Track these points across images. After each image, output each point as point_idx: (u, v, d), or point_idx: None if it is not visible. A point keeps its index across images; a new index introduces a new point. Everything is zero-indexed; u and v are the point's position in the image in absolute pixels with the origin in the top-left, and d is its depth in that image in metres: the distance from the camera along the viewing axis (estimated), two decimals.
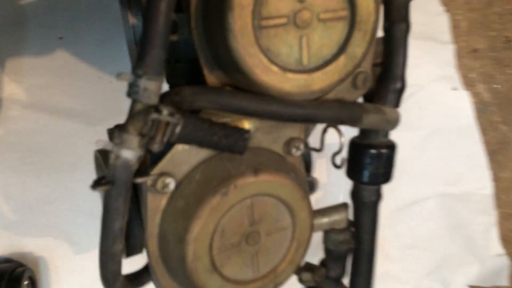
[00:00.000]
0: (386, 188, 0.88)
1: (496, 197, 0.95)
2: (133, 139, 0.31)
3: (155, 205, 0.37)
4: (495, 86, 1.01)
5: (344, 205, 0.47)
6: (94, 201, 0.80)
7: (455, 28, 1.01)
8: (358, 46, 0.35)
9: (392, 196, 0.89)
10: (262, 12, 0.31)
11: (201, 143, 0.34)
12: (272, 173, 0.36)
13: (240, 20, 0.30)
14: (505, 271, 0.90)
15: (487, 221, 0.91)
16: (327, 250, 0.48)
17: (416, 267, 0.87)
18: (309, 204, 0.40)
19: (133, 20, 0.39)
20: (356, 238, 0.46)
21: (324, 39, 0.34)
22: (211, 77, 0.36)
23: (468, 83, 0.99)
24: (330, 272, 0.48)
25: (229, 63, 0.33)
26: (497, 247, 0.90)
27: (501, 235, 0.94)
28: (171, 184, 0.36)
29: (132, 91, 0.30)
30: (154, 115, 0.31)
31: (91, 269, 0.78)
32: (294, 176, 0.39)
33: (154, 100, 0.31)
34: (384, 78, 0.41)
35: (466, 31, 1.02)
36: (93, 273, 0.77)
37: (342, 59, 0.35)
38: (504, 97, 1.01)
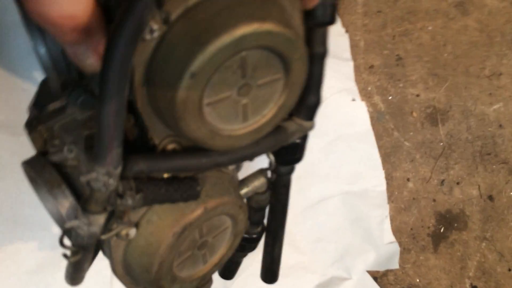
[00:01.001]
0: (297, 188, 0.98)
1: (390, 194, 1.07)
2: (99, 217, 0.32)
3: (118, 245, 0.38)
4: (389, 97, 1.13)
5: (261, 171, 0.50)
6: (18, 210, 0.81)
7: (354, 47, 1.11)
8: (291, 98, 0.36)
9: (302, 196, 0.98)
10: (209, 95, 0.30)
11: (159, 202, 0.36)
12: (218, 199, 0.40)
13: (187, 105, 0.29)
14: (396, 256, 1.03)
15: (382, 214, 1.01)
16: (250, 207, 0.51)
17: (323, 257, 0.95)
18: (243, 204, 0.44)
19: (42, 49, 0.35)
20: (274, 196, 0.52)
21: (261, 99, 0.34)
22: (157, 138, 0.35)
23: (366, 95, 1.10)
24: (253, 219, 0.53)
25: (176, 131, 0.34)
26: (389, 236, 1.02)
27: (395, 226, 1.07)
28: (133, 232, 0.37)
29: (94, 186, 0.29)
30: (119, 201, 0.32)
31: (15, 276, 0.79)
32: (234, 192, 0.43)
33: (114, 186, 0.30)
34: (304, 96, 0.41)
35: (363, 50, 1.13)
36: (17, 280, 0.78)
37: (277, 110, 0.36)
38: (396, 107, 1.13)
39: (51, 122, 0.41)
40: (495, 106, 1.22)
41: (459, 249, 1.18)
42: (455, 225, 1.17)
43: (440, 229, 1.15)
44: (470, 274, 1.19)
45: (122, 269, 0.41)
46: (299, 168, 0.99)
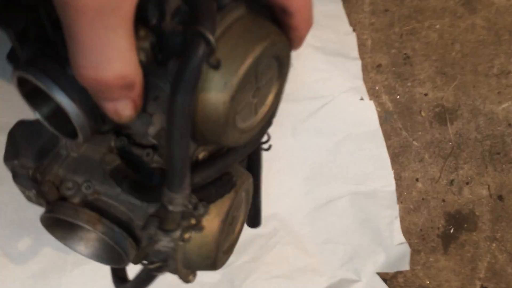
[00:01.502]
0: (305, 190, 0.96)
1: (399, 194, 1.06)
2: (176, 232, 0.37)
3: (180, 247, 0.43)
4: (397, 97, 1.12)
5: None
6: (24, 214, 0.80)
7: (361, 46, 1.10)
8: (282, 84, 0.42)
9: (310, 197, 0.97)
10: (237, 109, 0.35)
11: (213, 202, 0.41)
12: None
13: (229, 121, 0.34)
14: (407, 257, 1.01)
15: (391, 215, 1.00)
16: None
17: (331, 259, 0.94)
18: None
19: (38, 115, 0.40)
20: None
21: (264, 94, 0.39)
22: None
23: (374, 95, 1.09)
24: None
25: (213, 143, 0.41)
26: (399, 237, 1.00)
27: (404, 227, 1.05)
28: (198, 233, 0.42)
29: (176, 209, 0.35)
30: (195, 213, 0.38)
31: (20, 281, 0.78)
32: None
33: (188, 205, 0.37)
34: None
35: (370, 49, 1.12)
36: (21, 284, 0.77)
37: (274, 97, 0.42)
38: (404, 107, 1.12)
39: (53, 169, 0.44)
40: (504, 105, 1.20)
41: (469, 250, 1.17)
42: (465, 225, 1.15)
43: (450, 229, 1.14)
44: (481, 275, 1.17)
45: (182, 266, 0.43)
46: (307, 169, 0.98)
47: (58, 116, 0.38)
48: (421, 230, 1.10)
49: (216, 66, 0.30)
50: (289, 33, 0.35)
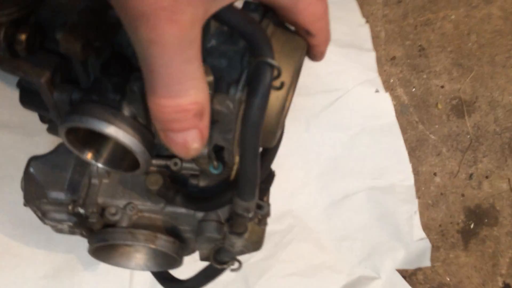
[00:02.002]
0: (320, 185, 0.94)
1: (417, 189, 1.03)
2: (246, 234, 0.43)
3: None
4: (413, 89, 1.09)
5: None
6: (33, 213, 0.79)
7: (375, 38, 1.08)
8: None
9: (326, 193, 0.94)
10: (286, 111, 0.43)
11: None
12: None
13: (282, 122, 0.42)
14: (427, 253, 0.98)
15: (410, 210, 0.98)
16: None
17: (349, 256, 0.91)
18: None
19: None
20: None
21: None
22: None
23: (389, 88, 1.06)
24: None
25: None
26: (419, 232, 0.98)
27: (422, 223, 1.02)
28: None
29: (250, 215, 0.39)
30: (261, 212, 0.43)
31: (32, 281, 0.77)
32: None
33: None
34: None
35: (384, 41, 1.09)
36: (34, 285, 0.76)
37: None
38: (419, 99, 1.09)
39: (94, 199, 0.47)
40: None
41: (490, 246, 1.13)
42: (486, 220, 1.12)
43: (470, 225, 1.10)
44: (503, 271, 1.13)
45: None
46: (322, 164, 0.95)
47: (112, 155, 0.42)
48: (440, 225, 1.07)
49: (280, 88, 0.32)
50: (311, 49, 0.39)
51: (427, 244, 0.97)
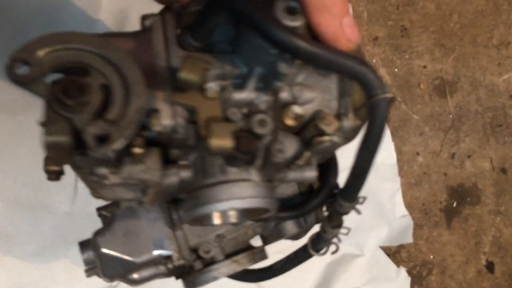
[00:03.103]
0: None
1: (400, 168, 1.03)
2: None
3: None
4: (395, 70, 1.10)
5: None
6: (18, 192, 0.78)
7: (358, 18, 1.08)
8: None
9: None
10: None
11: None
12: None
13: None
14: (410, 230, 0.99)
15: (392, 187, 0.98)
16: None
17: None
18: None
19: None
20: None
21: None
22: None
23: None
24: None
25: None
26: (402, 209, 0.98)
27: (406, 202, 1.03)
28: None
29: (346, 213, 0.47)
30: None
31: (17, 260, 0.77)
32: None
33: None
34: None
35: (367, 21, 1.09)
36: (21, 264, 0.76)
37: None
38: (402, 80, 1.10)
39: (185, 248, 0.51)
40: (505, 76, 1.18)
41: (473, 224, 1.14)
42: (468, 199, 1.13)
43: (453, 203, 1.11)
44: (486, 249, 1.15)
45: None
46: None
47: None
48: (423, 204, 1.08)
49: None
50: None
51: (409, 221, 0.98)
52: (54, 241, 0.77)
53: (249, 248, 0.53)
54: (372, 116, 0.35)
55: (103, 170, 0.34)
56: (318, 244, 0.51)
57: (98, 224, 0.78)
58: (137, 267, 0.48)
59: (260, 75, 0.39)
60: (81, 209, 0.77)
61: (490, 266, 1.14)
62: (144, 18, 0.40)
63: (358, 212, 0.49)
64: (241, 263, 0.51)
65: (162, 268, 0.50)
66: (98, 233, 0.49)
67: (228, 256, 0.51)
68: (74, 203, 0.77)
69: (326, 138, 0.40)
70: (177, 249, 0.49)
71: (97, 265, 0.48)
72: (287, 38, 0.32)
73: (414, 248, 1.05)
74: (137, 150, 0.34)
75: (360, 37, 0.35)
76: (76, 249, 0.78)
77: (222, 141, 0.34)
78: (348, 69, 0.34)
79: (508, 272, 1.15)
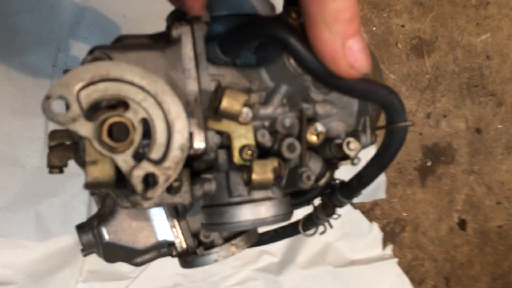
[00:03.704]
0: None
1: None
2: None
3: None
4: (373, 28, 1.09)
5: None
6: None
7: None
8: None
9: None
10: None
11: None
12: None
13: None
14: (382, 186, 1.01)
15: None
16: None
17: None
18: None
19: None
20: None
21: None
22: None
23: None
24: None
25: None
26: None
27: None
28: None
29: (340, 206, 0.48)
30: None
31: None
32: None
33: None
34: None
35: None
36: None
37: None
38: (380, 39, 1.09)
39: (188, 235, 0.52)
40: (483, 37, 1.18)
41: (446, 183, 1.16)
42: (442, 158, 1.15)
43: (427, 163, 1.13)
44: (458, 207, 1.18)
45: None
46: None
47: None
48: (398, 163, 1.10)
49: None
50: None
51: (382, 178, 1.00)
52: (24, 195, 0.77)
53: (244, 230, 0.54)
54: (391, 139, 0.38)
55: (137, 198, 0.34)
56: (308, 226, 0.52)
57: (68, 178, 0.78)
58: (140, 253, 0.50)
59: (286, 92, 0.39)
60: None
61: (462, 224, 1.17)
62: (171, 25, 0.38)
63: (354, 207, 0.53)
64: (239, 246, 0.52)
65: (164, 252, 0.51)
66: (101, 221, 0.48)
67: (226, 240, 0.52)
68: (44, 157, 0.76)
69: (349, 161, 0.42)
70: (181, 237, 0.50)
71: (98, 250, 0.49)
72: (331, 79, 0.32)
73: (388, 206, 1.07)
74: (175, 184, 0.35)
75: (369, 65, 0.31)
76: (47, 203, 0.78)
77: (264, 177, 0.36)
78: (379, 97, 0.35)
79: (479, 230, 1.18)
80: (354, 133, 0.44)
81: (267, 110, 0.39)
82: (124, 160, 0.30)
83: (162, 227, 0.50)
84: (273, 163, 0.36)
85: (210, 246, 0.52)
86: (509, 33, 1.19)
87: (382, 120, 0.43)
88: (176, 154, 0.31)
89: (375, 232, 0.99)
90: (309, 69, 0.32)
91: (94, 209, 0.79)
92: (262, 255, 0.89)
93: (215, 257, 0.52)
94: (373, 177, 0.42)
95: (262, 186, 0.36)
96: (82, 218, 0.79)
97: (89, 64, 0.30)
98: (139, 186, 0.30)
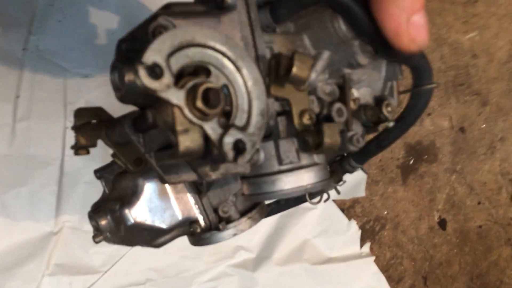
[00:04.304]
0: None
1: None
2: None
3: None
4: None
5: None
6: None
7: None
8: None
9: None
10: None
11: None
12: None
13: None
14: (362, 184, 1.00)
15: None
16: None
17: None
18: None
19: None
20: None
21: None
22: None
23: None
24: None
25: None
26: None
27: None
28: None
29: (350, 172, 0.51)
30: None
31: None
32: None
33: None
34: None
35: None
36: None
37: None
38: None
39: (210, 211, 0.52)
40: (470, 35, 1.17)
41: (428, 182, 1.15)
42: (425, 157, 1.14)
43: (410, 161, 1.12)
44: (439, 207, 1.17)
45: None
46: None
47: None
48: (380, 160, 1.08)
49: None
50: None
51: (362, 175, 0.98)
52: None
53: (257, 203, 0.54)
54: (417, 101, 0.40)
55: (206, 170, 0.34)
56: (314, 194, 0.53)
57: (36, 168, 0.75)
58: (165, 233, 0.49)
59: (328, 58, 0.39)
60: (19, 152, 0.73)
61: (442, 223, 1.17)
62: None
63: (366, 172, 0.54)
64: (255, 218, 0.53)
65: (185, 230, 0.51)
66: (125, 203, 0.48)
67: (242, 214, 0.53)
68: (12, 145, 0.73)
69: (388, 124, 0.43)
70: (204, 213, 0.50)
71: (115, 235, 0.48)
72: (386, 47, 0.33)
73: (368, 203, 1.06)
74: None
75: (428, 41, 0.32)
76: (13, 192, 0.75)
77: (334, 139, 0.36)
78: (414, 60, 0.36)
79: (459, 229, 1.18)
80: (382, 98, 0.43)
81: (312, 76, 0.39)
82: (213, 128, 0.30)
83: (185, 204, 0.50)
84: (339, 126, 0.38)
85: (228, 221, 0.52)
86: (496, 32, 1.18)
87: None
88: (257, 120, 0.32)
89: (353, 229, 0.98)
90: (365, 34, 0.34)
91: (65, 199, 0.76)
92: (238, 251, 0.88)
93: (233, 232, 0.52)
94: (394, 140, 0.43)
95: (331, 149, 0.37)
96: (51, 209, 0.76)
97: (174, 30, 0.30)
98: (230, 153, 0.30)
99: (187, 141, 0.30)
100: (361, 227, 1.01)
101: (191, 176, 0.38)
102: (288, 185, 0.39)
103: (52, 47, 0.75)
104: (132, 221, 0.47)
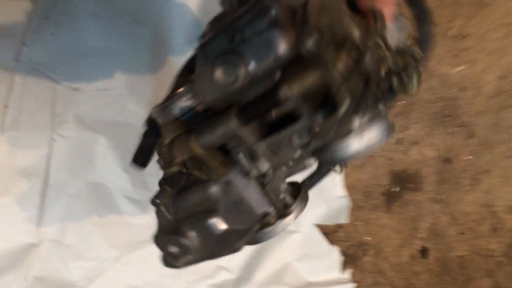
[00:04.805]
0: None
1: None
2: None
3: None
4: None
5: None
6: None
7: None
8: None
9: None
10: None
11: None
12: None
13: None
14: (345, 211, 1.00)
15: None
16: None
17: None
18: None
19: None
20: None
21: None
22: None
23: None
24: None
25: None
26: (340, 190, 0.99)
27: (349, 183, 1.04)
28: None
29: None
30: None
31: None
32: None
33: None
34: None
35: None
36: None
37: None
38: None
39: (281, 201, 0.52)
40: (459, 68, 1.19)
41: (412, 210, 1.17)
42: (410, 185, 1.15)
43: (395, 188, 1.13)
44: (422, 235, 1.18)
45: None
46: None
47: None
48: (366, 186, 1.09)
49: None
50: None
51: (346, 202, 0.99)
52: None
53: (298, 186, 0.56)
54: (426, 38, 0.42)
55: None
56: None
57: (20, 178, 0.74)
58: (245, 233, 0.49)
59: None
60: (4, 161, 0.73)
61: (424, 252, 1.17)
62: None
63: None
64: (305, 198, 0.55)
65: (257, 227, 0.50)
66: (206, 216, 0.47)
67: (294, 196, 0.54)
68: (1, 152, 0.73)
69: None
70: (272, 203, 0.50)
71: (205, 247, 0.48)
72: None
73: (352, 229, 1.07)
74: None
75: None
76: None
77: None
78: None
79: (441, 259, 1.19)
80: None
81: None
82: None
83: (255, 199, 0.49)
84: None
85: (286, 206, 0.53)
86: (484, 66, 1.20)
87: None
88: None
89: (335, 255, 0.98)
90: None
91: (47, 211, 0.76)
92: (219, 271, 0.88)
93: (295, 215, 0.52)
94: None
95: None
96: (33, 220, 0.76)
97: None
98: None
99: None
100: (344, 252, 1.01)
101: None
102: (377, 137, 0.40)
103: (44, 59, 0.75)
104: (221, 228, 0.47)
